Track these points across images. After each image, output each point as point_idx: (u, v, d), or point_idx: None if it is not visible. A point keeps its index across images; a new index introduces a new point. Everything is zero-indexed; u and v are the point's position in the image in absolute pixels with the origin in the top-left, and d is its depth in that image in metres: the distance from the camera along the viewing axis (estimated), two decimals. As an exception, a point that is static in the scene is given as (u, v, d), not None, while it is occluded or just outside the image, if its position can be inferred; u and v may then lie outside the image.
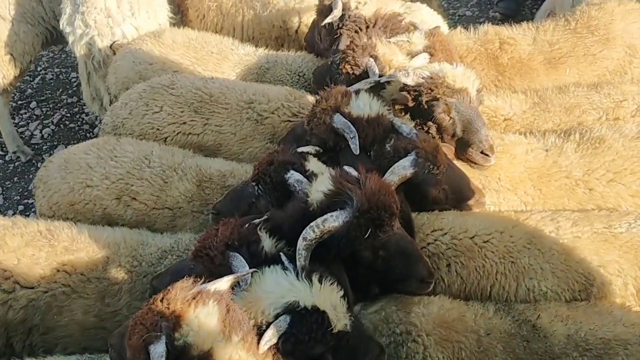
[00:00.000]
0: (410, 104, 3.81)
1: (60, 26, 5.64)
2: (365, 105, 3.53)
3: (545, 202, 3.73)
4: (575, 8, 5.14)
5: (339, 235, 2.81)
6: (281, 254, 2.85)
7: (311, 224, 2.78)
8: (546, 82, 4.74)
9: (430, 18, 5.26)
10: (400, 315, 2.97)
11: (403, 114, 3.84)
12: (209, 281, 2.60)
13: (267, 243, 2.89)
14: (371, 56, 4.10)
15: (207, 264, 2.83)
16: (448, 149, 3.74)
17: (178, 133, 4.33)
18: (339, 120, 3.45)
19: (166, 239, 3.51)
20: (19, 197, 6.32)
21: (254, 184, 3.33)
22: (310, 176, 3.18)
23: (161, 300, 2.36)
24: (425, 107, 3.74)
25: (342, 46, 4.39)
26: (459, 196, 3.45)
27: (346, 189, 2.87)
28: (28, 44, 6.26)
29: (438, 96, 3.70)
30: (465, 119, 3.72)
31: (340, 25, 4.63)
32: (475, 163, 3.74)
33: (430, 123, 3.76)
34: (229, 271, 2.73)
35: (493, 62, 4.78)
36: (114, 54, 5.34)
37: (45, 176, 4.00)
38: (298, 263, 2.77)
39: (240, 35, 5.67)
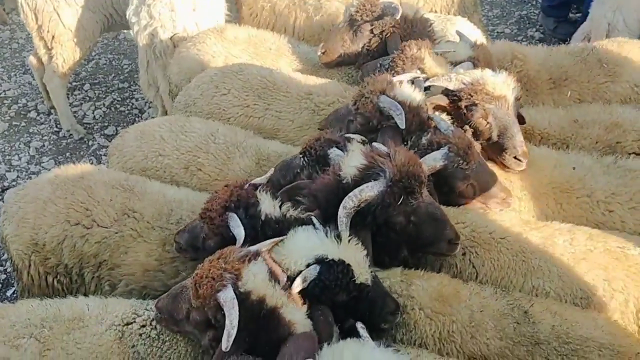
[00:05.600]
0: (449, 107, 3.98)
1: (127, 15, 5.86)
2: (408, 93, 3.79)
3: (565, 217, 3.77)
4: (598, 42, 5.22)
5: (375, 203, 3.06)
6: (313, 217, 3.10)
7: (350, 194, 3.03)
8: (548, 101, 4.85)
9: (469, 32, 5.27)
10: (403, 286, 3.15)
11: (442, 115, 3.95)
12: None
13: (267, 204, 3.14)
14: (419, 68, 4.27)
15: (209, 224, 3.15)
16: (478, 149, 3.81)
17: (241, 115, 4.59)
18: (385, 100, 3.71)
19: None
20: (70, 172, 6.66)
21: (301, 155, 3.59)
22: (349, 156, 3.36)
23: (219, 259, 2.72)
24: (464, 111, 3.90)
25: (395, 45, 4.61)
26: (487, 193, 3.60)
27: (378, 162, 3.11)
28: (89, 31, 6.51)
29: (477, 102, 3.85)
30: (502, 125, 3.85)
31: (386, 26, 4.82)
32: (507, 167, 3.88)
33: (467, 126, 3.90)
34: (227, 230, 3.07)
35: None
36: (174, 45, 5.57)
37: (121, 144, 4.30)
38: (340, 228, 3.00)
39: (291, 36, 5.81)
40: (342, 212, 3.02)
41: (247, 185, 3.25)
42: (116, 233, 3.59)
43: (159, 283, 3.55)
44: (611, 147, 4.26)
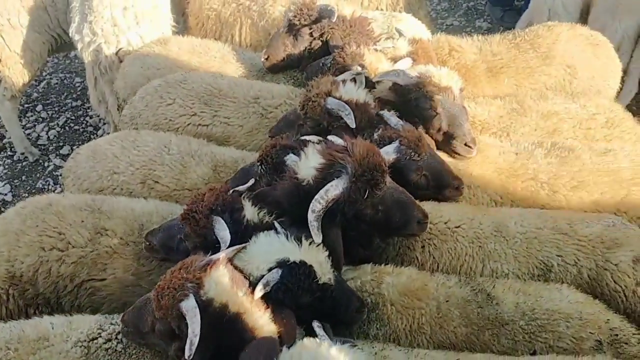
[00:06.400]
0: (397, 101, 4.03)
1: (70, 34, 5.80)
2: (352, 91, 3.83)
3: (513, 201, 3.92)
4: (529, 27, 5.35)
5: (342, 200, 3.06)
6: (275, 222, 3.11)
7: (316, 196, 3.01)
8: (487, 89, 4.96)
9: (414, 27, 5.38)
10: (373, 284, 3.21)
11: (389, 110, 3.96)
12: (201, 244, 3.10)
13: (249, 211, 3.17)
14: (359, 65, 4.30)
15: (193, 225, 3.13)
16: (429, 141, 3.87)
17: (189, 124, 4.55)
18: (332, 102, 3.74)
19: None
20: (27, 195, 6.41)
21: (258, 163, 3.57)
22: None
23: (180, 270, 2.72)
24: (414, 103, 3.97)
25: (336, 42, 4.67)
26: (440, 182, 3.68)
27: (337, 159, 3.10)
28: (36, 52, 6.39)
29: (426, 94, 3.95)
30: (451, 114, 3.95)
31: (324, 28, 4.84)
32: (458, 154, 3.98)
33: (417, 119, 3.96)
34: (211, 233, 3.09)
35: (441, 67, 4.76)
36: (120, 60, 5.53)
37: (74, 166, 4.21)
38: (312, 232, 2.98)
39: (238, 43, 5.85)
40: (311, 217, 3.01)
41: (232, 191, 3.28)
42: (92, 251, 3.58)
43: (137, 298, 3.38)
44: (550, 134, 4.38)
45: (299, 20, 4.88)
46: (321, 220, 3.04)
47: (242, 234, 3.11)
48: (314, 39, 4.90)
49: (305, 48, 4.94)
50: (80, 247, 3.58)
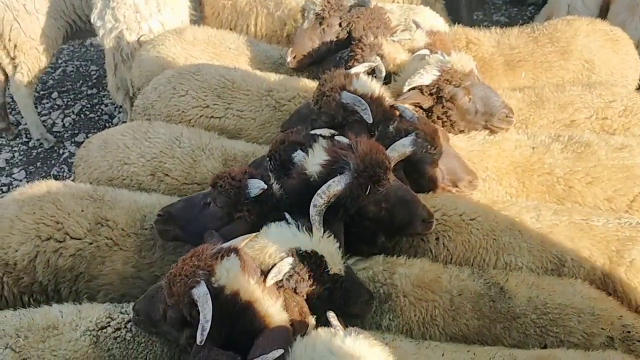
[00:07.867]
0: (430, 102, 4.02)
1: (91, 20, 5.80)
2: (366, 84, 3.80)
3: (528, 195, 3.92)
4: (548, 21, 5.32)
5: (344, 196, 3.08)
6: (285, 213, 3.12)
7: (318, 191, 3.04)
8: (504, 82, 4.97)
9: (431, 20, 5.40)
10: (386, 275, 3.22)
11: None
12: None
13: (275, 185, 3.31)
14: (378, 55, 4.29)
15: (227, 181, 3.22)
16: (444, 134, 3.85)
17: (201, 116, 4.53)
18: (347, 96, 3.71)
19: None
20: (42, 181, 6.58)
21: (268, 159, 3.59)
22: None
23: (192, 257, 2.72)
24: (450, 99, 3.99)
25: (358, 33, 4.65)
26: (454, 176, 3.67)
27: (341, 155, 3.14)
28: (51, 38, 6.44)
29: (457, 84, 3.96)
30: (483, 94, 4.02)
31: (352, 18, 4.84)
32: (500, 128, 4.04)
33: (450, 111, 4.01)
34: (244, 188, 3.21)
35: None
36: (141, 47, 5.51)
37: (85, 155, 4.21)
38: (314, 227, 2.99)
39: (253, 33, 5.85)
40: (313, 211, 3.03)
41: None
42: (91, 244, 3.51)
43: (137, 290, 3.47)
44: (567, 126, 4.36)
45: (327, 12, 4.86)
46: (324, 215, 3.06)
47: (267, 202, 3.25)
48: (342, 29, 4.88)
49: (332, 41, 4.91)
50: (79, 238, 3.52)
